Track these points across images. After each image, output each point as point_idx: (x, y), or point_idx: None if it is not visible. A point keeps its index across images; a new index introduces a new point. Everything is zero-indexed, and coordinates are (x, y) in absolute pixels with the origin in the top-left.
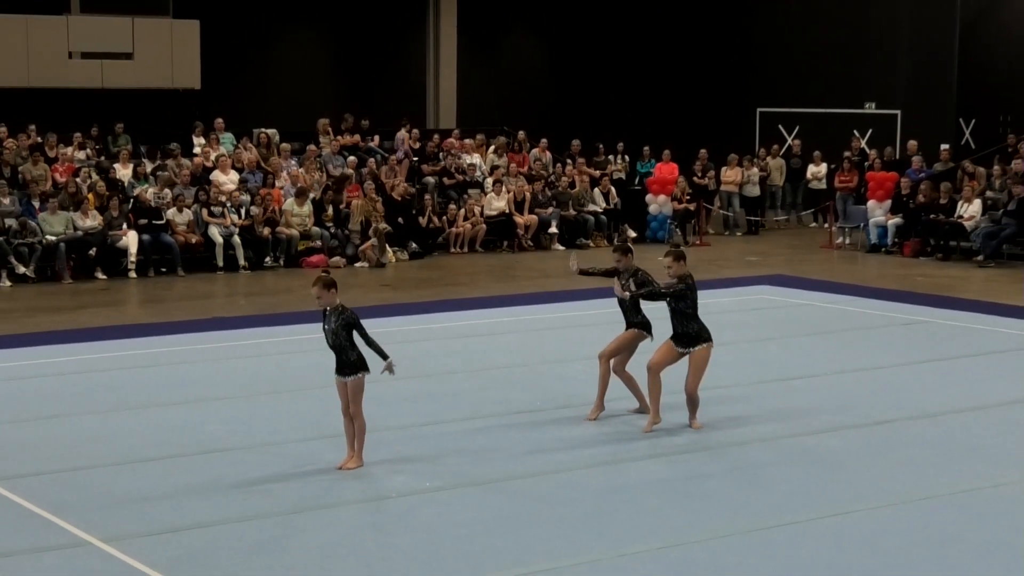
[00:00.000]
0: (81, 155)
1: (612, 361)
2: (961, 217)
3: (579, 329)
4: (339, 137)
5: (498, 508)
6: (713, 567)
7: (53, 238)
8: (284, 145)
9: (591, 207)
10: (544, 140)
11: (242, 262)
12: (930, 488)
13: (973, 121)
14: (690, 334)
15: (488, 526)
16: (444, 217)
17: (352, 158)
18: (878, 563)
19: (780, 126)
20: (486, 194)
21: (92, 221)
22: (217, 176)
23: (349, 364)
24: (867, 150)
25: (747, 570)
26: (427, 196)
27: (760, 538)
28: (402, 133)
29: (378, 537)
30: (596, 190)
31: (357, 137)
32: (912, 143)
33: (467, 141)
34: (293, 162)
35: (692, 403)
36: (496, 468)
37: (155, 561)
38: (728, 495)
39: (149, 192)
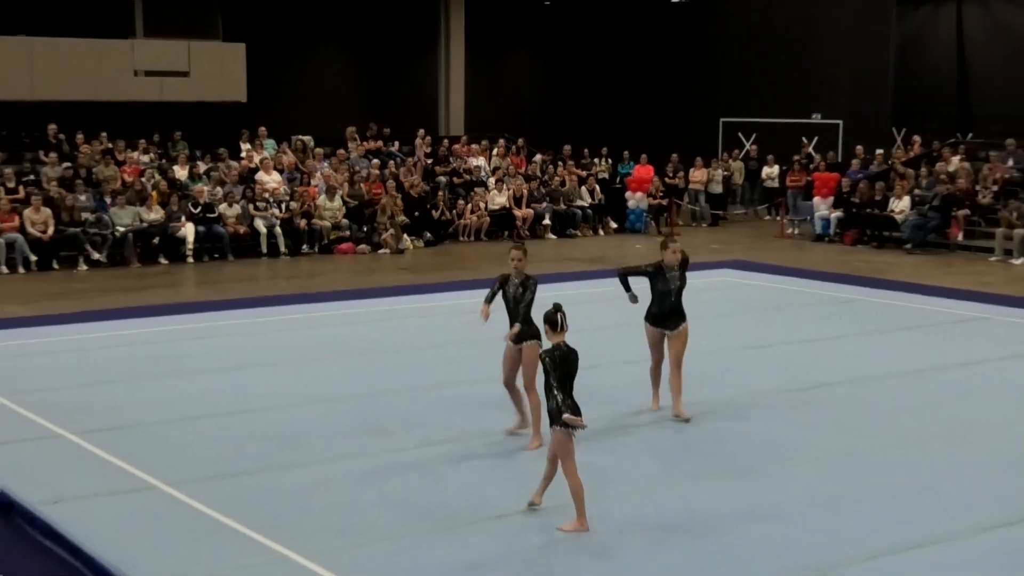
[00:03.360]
0: (145, 158)
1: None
2: (893, 211)
3: (569, 307)
4: (364, 143)
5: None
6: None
7: (122, 229)
8: (317, 149)
9: (579, 202)
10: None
11: (283, 249)
12: (860, 443)
13: (904, 129)
14: (679, 313)
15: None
16: (454, 211)
17: (376, 160)
18: (821, 512)
19: (740, 133)
20: (489, 191)
21: (155, 215)
22: (261, 176)
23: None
24: (813, 154)
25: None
26: (439, 193)
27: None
28: (418, 140)
29: (397, 493)
30: (583, 188)
31: (380, 143)
32: (859, 147)
33: (473, 146)
34: (325, 164)
35: (677, 375)
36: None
37: (210, 502)
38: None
39: (203, 190)
